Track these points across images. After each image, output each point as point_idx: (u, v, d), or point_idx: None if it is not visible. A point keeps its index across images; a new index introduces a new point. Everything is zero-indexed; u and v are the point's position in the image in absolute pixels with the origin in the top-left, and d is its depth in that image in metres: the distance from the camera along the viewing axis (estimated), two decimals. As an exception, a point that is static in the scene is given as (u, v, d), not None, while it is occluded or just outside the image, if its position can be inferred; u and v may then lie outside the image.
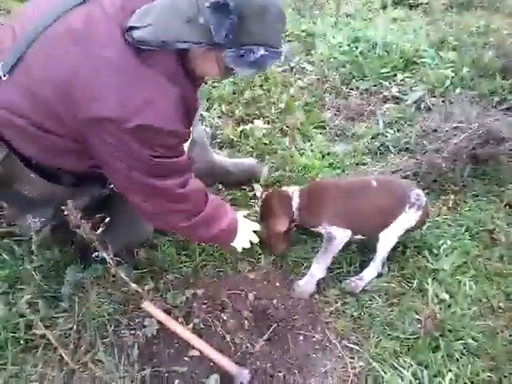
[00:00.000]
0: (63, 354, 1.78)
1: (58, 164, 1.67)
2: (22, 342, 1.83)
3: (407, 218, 2.08)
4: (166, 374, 1.80)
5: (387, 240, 2.10)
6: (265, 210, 2.21)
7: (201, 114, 2.81)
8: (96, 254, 1.75)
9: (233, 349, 1.88)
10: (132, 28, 1.42)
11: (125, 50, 1.43)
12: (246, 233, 2.03)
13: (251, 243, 2.07)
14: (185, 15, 1.38)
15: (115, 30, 1.44)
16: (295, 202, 2.15)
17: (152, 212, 1.72)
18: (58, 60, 1.45)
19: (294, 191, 2.19)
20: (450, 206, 2.53)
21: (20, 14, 1.67)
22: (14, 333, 1.84)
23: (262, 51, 1.43)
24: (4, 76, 1.50)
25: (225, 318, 1.97)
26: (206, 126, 2.85)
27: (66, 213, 1.59)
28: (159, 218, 1.78)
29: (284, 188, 2.29)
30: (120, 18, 1.46)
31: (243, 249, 2.04)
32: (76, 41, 1.44)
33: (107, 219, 1.72)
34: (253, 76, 1.45)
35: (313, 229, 2.19)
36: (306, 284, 2.07)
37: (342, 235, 2.07)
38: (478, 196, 2.59)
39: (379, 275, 2.13)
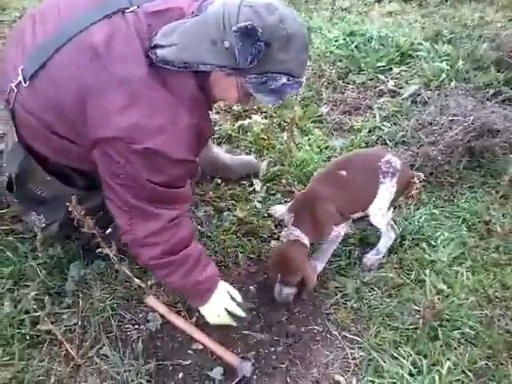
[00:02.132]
0: (69, 349, 1.81)
1: (72, 165, 1.70)
2: (27, 337, 1.86)
3: (385, 188, 2.08)
4: (171, 367, 1.84)
5: (377, 213, 2.11)
6: (284, 264, 1.96)
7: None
8: (99, 250, 1.78)
9: (236, 342, 1.92)
10: (156, 46, 1.41)
11: (146, 70, 1.42)
12: (222, 296, 1.80)
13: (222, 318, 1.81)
14: (210, 37, 1.37)
15: (138, 49, 1.43)
16: (302, 235, 2.00)
17: (131, 239, 1.64)
18: (77, 76, 1.45)
19: (290, 225, 2.03)
20: (447, 198, 2.57)
21: (43, 9, 1.63)
22: (20, 329, 1.87)
23: (284, 80, 1.41)
24: (25, 83, 1.50)
25: (227, 311, 2.00)
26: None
27: (70, 209, 1.63)
28: (134, 247, 1.67)
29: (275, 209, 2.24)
30: (144, 36, 1.45)
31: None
32: (97, 57, 1.43)
33: (114, 222, 1.74)
34: (271, 104, 1.39)
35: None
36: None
37: (345, 229, 2.13)
38: (473, 188, 2.62)
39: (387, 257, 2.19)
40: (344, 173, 2.06)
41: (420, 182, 2.19)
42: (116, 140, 1.43)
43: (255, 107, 3.05)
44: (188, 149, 1.52)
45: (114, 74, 1.42)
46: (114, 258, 1.83)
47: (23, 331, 1.86)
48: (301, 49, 1.42)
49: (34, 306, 1.80)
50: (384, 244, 2.18)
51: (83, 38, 1.47)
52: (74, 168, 1.73)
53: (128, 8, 1.50)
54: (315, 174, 2.30)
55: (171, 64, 1.40)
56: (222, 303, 1.79)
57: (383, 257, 2.19)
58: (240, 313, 1.80)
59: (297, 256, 1.96)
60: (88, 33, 1.47)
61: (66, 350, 1.82)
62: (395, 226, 2.21)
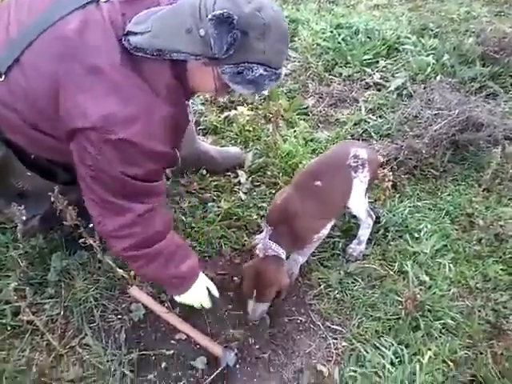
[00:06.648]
0: (50, 339, 1.80)
1: (52, 158, 1.67)
2: (9, 328, 1.86)
3: (359, 180, 2.11)
4: (153, 357, 1.84)
5: (356, 203, 2.13)
6: (261, 279, 1.89)
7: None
8: (82, 240, 1.77)
9: (219, 332, 1.93)
10: (129, 33, 1.38)
11: (119, 58, 1.39)
12: (199, 290, 1.81)
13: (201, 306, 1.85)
14: (185, 25, 1.33)
15: (112, 37, 1.40)
16: (279, 250, 1.96)
17: (100, 230, 1.61)
18: (49, 66, 1.41)
19: (267, 244, 1.97)
20: (431, 190, 2.59)
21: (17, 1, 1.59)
22: (1, 319, 1.86)
23: (261, 70, 1.37)
24: (1, 77, 1.46)
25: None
26: (190, 113, 2.85)
27: (52, 199, 1.61)
28: (106, 238, 1.64)
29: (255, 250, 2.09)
30: (119, 24, 1.41)
31: (187, 306, 1.85)
32: (69, 47, 1.40)
33: None
34: (249, 96, 1.31)
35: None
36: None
37: (328, 229, 2.11)
38: (457, 181, 2.64)
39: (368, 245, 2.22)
40: (319, 183, 2.03)
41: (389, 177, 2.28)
42: (91, 130, 1.38)
43: (240, 98, 3.04)
44: (163, 140, 1.48)
45: (86, 63, 1.38)
46: (97, 248, 1.82)
47: (4, 321, 1.86)
48: (279, 39, 1.39)
49: (15, 297, 1.78)
50: (363, 232, 2.20)
51: (56, 28, 1.44)
52: (55, 161, 1.70)
53: None
54: (292, 181, 2.19)
55: (144, 51, 1.37)
56: (199, 298, 1.82)
57: (366, 248, 2.20)
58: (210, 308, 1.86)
59: (273, 270, 1.91)
60: (61, 23, 1.44)
61: (48, 340, 1.81)
62: (372, 213, 2.22)
